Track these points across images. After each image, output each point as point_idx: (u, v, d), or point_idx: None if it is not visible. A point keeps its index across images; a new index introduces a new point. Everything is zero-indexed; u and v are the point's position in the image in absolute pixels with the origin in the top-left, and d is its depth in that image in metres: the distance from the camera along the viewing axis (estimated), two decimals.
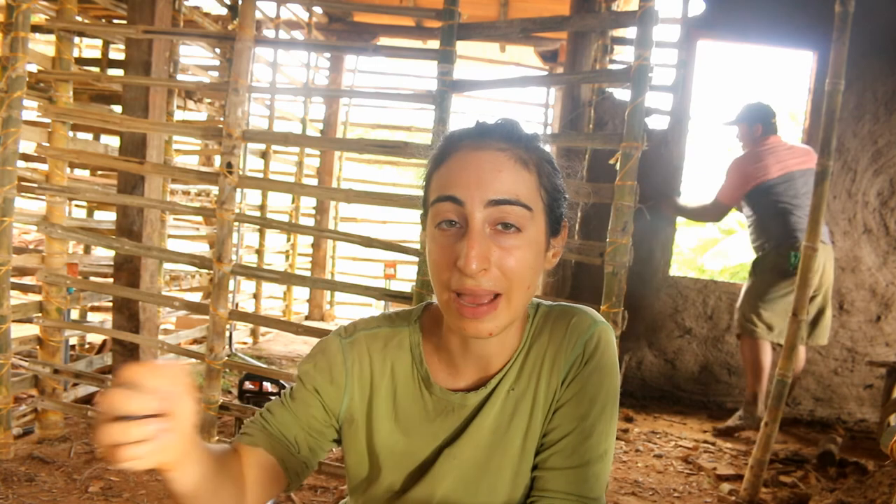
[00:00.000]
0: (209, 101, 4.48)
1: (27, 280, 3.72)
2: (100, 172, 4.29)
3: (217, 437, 2.35)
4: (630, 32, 3.98)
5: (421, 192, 0.85)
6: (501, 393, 0.84)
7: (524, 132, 0.80)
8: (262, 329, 5.02)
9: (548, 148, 0.84)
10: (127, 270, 2.73)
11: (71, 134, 2.91)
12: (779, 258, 3.35)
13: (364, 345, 0.88)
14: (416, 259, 2.18)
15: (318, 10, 5.48)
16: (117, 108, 3.81)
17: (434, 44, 2.29)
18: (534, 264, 0.78)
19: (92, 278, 3.62)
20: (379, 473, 0.87)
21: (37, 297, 2.69)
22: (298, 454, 0.86)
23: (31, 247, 5.49)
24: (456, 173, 0.77)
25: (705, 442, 3.21)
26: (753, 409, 3.37)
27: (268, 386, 2.65)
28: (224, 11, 4.54)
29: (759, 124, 3.49)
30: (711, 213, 3.69)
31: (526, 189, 0.77)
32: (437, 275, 0.77)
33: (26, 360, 2.63)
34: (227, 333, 3.87)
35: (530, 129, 0.82)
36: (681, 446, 3.14)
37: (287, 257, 5.85)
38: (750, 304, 3.43)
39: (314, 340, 1.14)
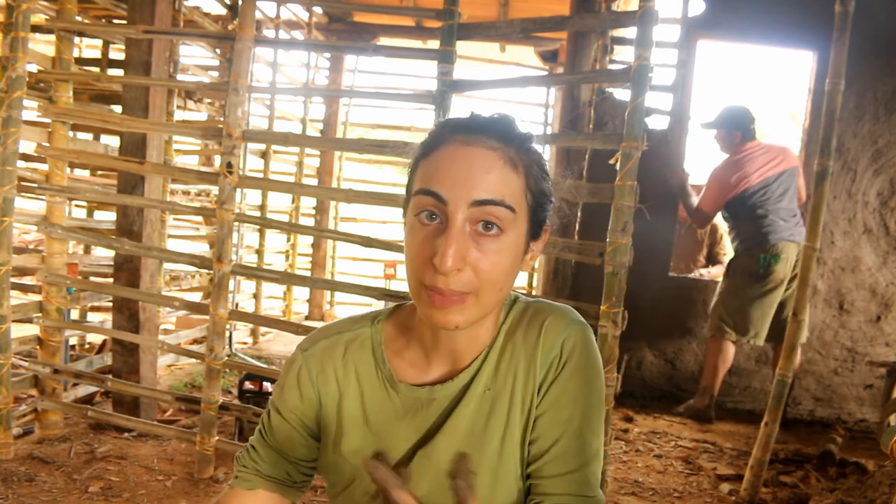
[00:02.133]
0: (209, 101, 4.48)
1: (27, 280, 3.72)
2: (100, 172, 4.29)
3: (217, 437, 2.35)
4: (630, 32, 3.98)
5: (406, 178, 0.83)
6: (476, 393, 0.83)
7: (518, 131, 0.79)
8: (262, 329, 5.02)
9: (540, 148, 0.82)
10: (127, 270, 2.73)
11: (71, 134, 2.90)
12: (749, 260, 3.44)
13: (326, 353, 0.88)
14: None
15: (318, 10, 5.48)
16: (117, 108, 3.81)
17: (434, 44, 2.29)
18: (509, 267, 0.77)
19: (92, 278, 3.62)
20: (354, 477, 0.87)
21: (37, 297, 2.69)
22: (295, 484, 0.90)
23: (31, 247, 5.49)
24: (443, 168, 0.75)
25: (705, 442, 3.21)
26: (700, 402, 3.55)
27: (268, 386, 2.66)
28: (224, 11, 4.54)
29: (738, 132, 3.55)
30: (695, 219, 3.75)
31: (512, 191, 0.76)
32: (412, 267, 0.76)
33: (26, 360, 2.63)
34: (227, 333, 3.87)
35: (524, 128, 0.80)
36: (681, 446, 3.14)
37: (287, 257, 5.85)
38: (724, 306, 3.52)
39: None
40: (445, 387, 0.84)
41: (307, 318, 6.18)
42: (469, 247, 0.74)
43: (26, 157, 3.51)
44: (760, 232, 3.43)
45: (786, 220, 3.45)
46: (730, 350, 3.52)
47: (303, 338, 0.94)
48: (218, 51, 4.40)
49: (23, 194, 2.76)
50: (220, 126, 2.31)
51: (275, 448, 0.89)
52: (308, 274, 6.04)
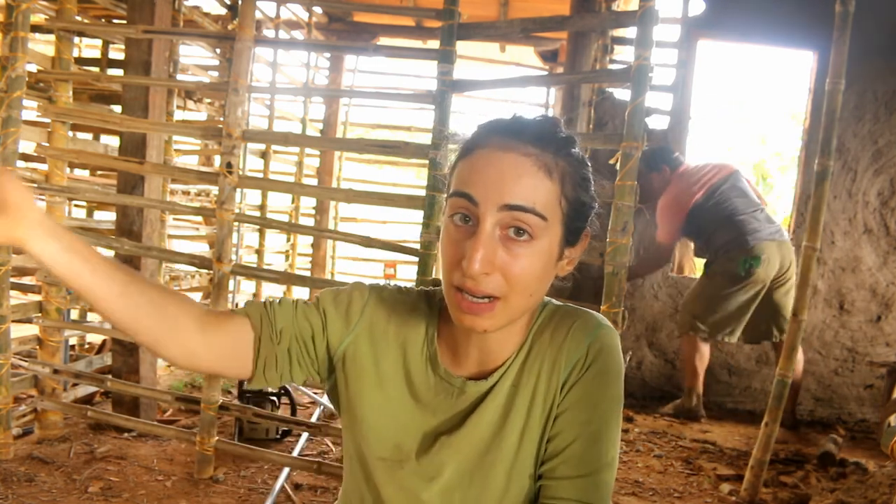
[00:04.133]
0: (209, 101, 4.48)
1: (27, 280, 3.72)
2: (99, 172, 4.29)
3: (217, 437, 2.35)
4: (630, 32, 3.98)
5: (427, 184, 0.87)
6: (503, 389, 0.85)
7: (558, 136, 0.78)
8: None
9: (582, 155, 0.81)
10: None
11: (71, 134, 2.90)
12: (729, 263, 3.39)
13: (390, 305, 0.90)
14: (416, 259, 2.17)
15: (318, 10, 5.48)
16: (117, 108, 3.81)
17: (434, 44, 2.29)
18: (541, 273, 0.78)
19: None
20: (383, 432, 0.87)
21: (36, 297, 2.69)
22: (277, 345, 0.86)
23: None
24: (476, 171, 0.76)
25: (705, 442, 3.21)
26: (687, 402, 3.54)
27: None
28: (224, 11, 4.54)
29: (664, 166, 3.56)
30: (656, 257, 3.70)
31: (544, 198, 0.76)
32: (445, 268, 0.78)
33: (26, 360, 2.63)
34: None
35: (566, 133, 0.80)
36: (681, 446, 3.14)
37: (287, 257, 5.85)
38: (699, 305, 3.48)
39: None
40: (478, 384, 0.85)
41: None
42: (498, 251, 0.75)
43: (26, 157, 3.51)
44: (738, 234, 3.35)
45: (757, 218, 3.40)
46: (705, 347, 3.50)
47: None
48: (218, 51, 4.40)
49: None
50: (220, 126, 2.31)
51: (294, 309, 0.88)
52: (308, 274, 6.04)
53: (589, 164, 0.82)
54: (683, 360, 3.60)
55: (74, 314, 3.67)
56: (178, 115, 3.95)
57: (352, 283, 0.92)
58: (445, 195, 0.83)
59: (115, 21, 4.13)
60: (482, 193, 0.75)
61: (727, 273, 3.39)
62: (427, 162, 2.08)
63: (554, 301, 0.89)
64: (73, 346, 3.73)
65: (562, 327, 0.85)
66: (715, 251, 3.48)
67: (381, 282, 0.94)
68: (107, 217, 4.02)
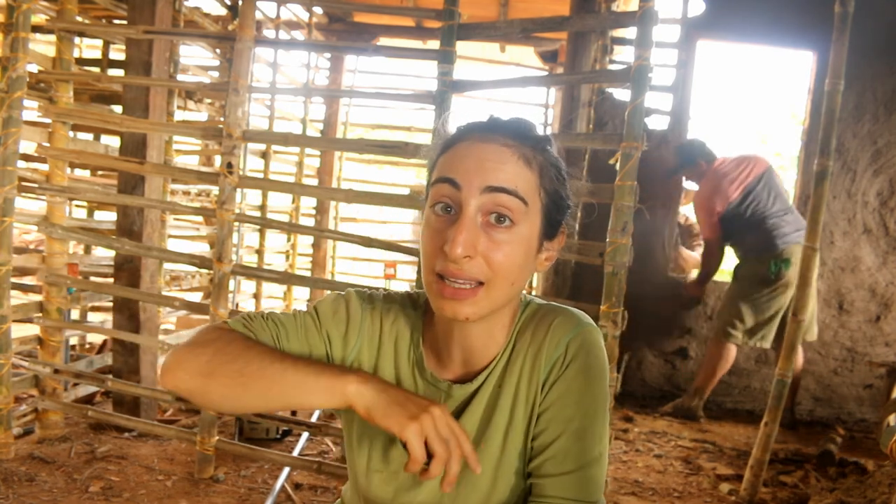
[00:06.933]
0: (209, 101, 4.48)
1: (27, 280, 3.72)
2: (100, 172, 4.29)
3: (217, 437, 2.35)
4: (630, 32, 3.98)
5: (425, 181, 0.87)
6: (488, 390, 0.85)
7: (535, 133, 0.81)
8: None
9: (558, 153, 0.84)
10: (127, 270, 2.73)
11: (71, 134, 2.91)
12: (759, 265, 3.42)
13: (381, 315, 0.90)
14: (415, 259, 2.18)
15: (318, 10, 5.48)
16: (117, 109, 3.81)
17: (434, 44, 2.29)
18: (522, 262, 0.79)
19: (92, 278, 3.62)
20: (377, 442, 0.88)
21: (37, 297, 2.69)
22: None
23: (31, 247, 5.49)
24: (458, 159, 0.78)
25: (705, 442, 3.21)
26: (689, 401, 3.56)
27: None
28: (224, 11, 4.54)
29: (701, 161, 3.59)
30: (710, 255, 3.70)
31: (525, 185, 0.78)
32: (425, 257, 0.79)
33: (27, 360, 2.63)
34: None
35: (543, 132, 0.83)
36: (681, 446, 3.14)
37: (287, 257, 5.85)
38: (731, 310, 3.49)
39: None
40: (464, 387, 0.86)
41: None
42: (480, 236, 0.76)
43: (27, 158, 3.52)
44: (767, 237, 3.39)
45: (787, 221, 3.43)
46: (731, 355, 3.51)
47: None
48: (218, 51, 4.40)
49: (23, 194, 2.76)
50: (221, 126, 2.31)
51: (301, 332, 0.87)
52: (308, 274, 6.04)
53: (564, 164, 0.84)
54: (706, 360, 3.58)
55: (75, 314, 3.67)
56: (179, 115, 3.95)
57: (344, 298, 0.91)
58: (426, 187, 0.84)
59: (116, 21, 4.13)
60: (465, 177, 0.76)
61: (756, 276, 3.41)
62: (427, 162, 2.08)
63: (536, 300, 0.90)
64: (73, 346, 3.73)
65: (542, 326, 0.85)
66: (744, 252, 3.52)
67: (368, 290, 0.94)
68: (107, 217, 4.03)
